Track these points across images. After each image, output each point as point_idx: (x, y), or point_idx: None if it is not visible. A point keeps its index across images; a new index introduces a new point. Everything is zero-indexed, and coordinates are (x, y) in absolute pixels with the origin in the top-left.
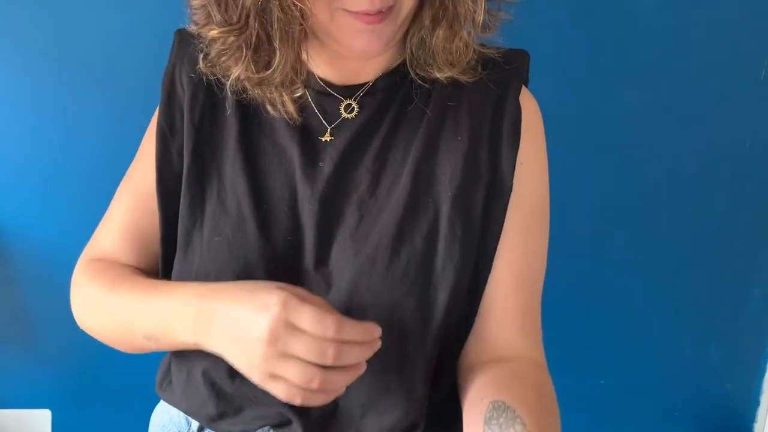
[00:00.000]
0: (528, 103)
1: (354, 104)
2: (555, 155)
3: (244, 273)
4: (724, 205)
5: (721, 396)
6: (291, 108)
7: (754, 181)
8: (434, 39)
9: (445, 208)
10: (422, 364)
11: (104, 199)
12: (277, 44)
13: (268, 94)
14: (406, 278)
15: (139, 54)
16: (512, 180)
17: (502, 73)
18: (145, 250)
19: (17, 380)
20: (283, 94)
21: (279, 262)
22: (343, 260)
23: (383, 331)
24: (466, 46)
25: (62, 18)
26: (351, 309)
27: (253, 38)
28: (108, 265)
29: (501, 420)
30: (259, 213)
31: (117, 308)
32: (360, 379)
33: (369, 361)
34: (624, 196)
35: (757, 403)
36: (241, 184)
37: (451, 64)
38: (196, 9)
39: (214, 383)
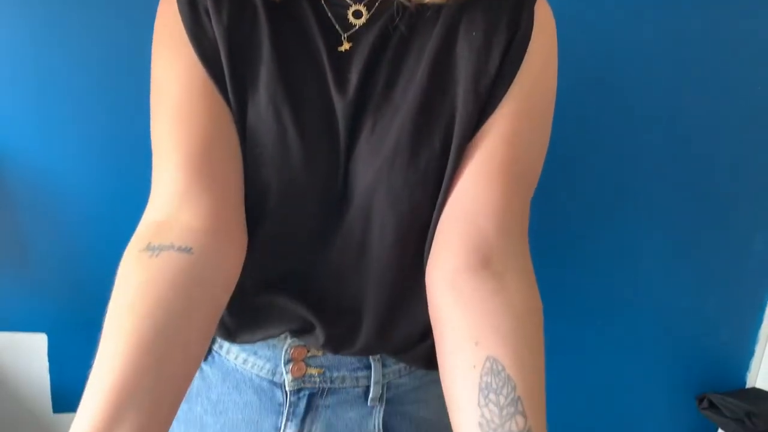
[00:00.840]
0: (542, 10)
1: (363, 9)
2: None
3: (287, 185)
4: (727, 152)
5: (716, 345)
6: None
7: (759, 126)
8: None
9: (460, 108)
10: None
11: (101, 123)
12: None
13: None
14: (426, 182)
15: None
16: (513, 79)
17: None
18: (216, 181)
19: (13, 304)
20: None
21: (321, 179)
22: (361, 166)
23: (403, 236)
24: None
25: None
26: (371, 215)
27: None
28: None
29: (500, 397)
30: (298, 123)
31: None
32: (382, 285)
33: (390, 266)
34: (625, 137)
35: (751, 353)
36: (279, 92)
37: None
38: None
39: (242, 291)
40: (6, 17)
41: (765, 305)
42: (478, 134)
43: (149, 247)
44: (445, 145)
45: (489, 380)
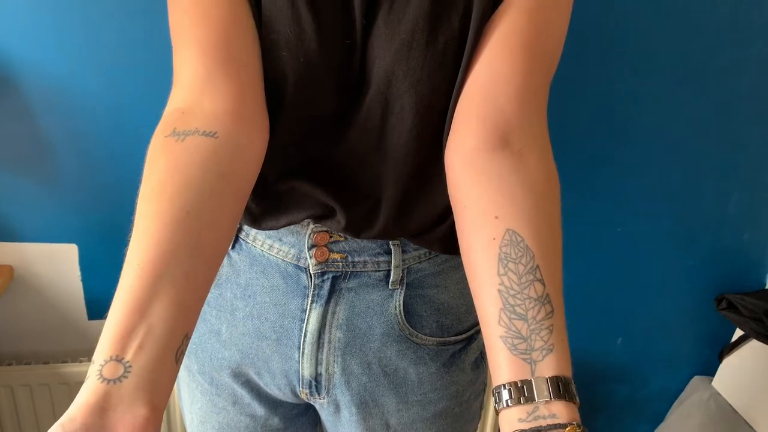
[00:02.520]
0: None
1: None
2: None
3: (304, 69)
4: (751, 64)
5: (735, 246)
6: None
7: None
8: None
9: None
10: None
11: (114, 25)
12: None
13: None
14: (445, 63)
15: None
16: None
17: None
18: (237, 67)
19: (43, 216)
20: None
21: (337, 60)
22: (379, 49)
23: (424, 119)
24: None
25: None
26: (390, 99)
27: None
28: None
29: (518, 266)
30: (312, 5)
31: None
32: (400, 169)
33: (409, 150)
34: (652, 44)
35: None
36: None
37: None
38: None
39: (264, 179)
40: None
41: None
42: (498, 11)
43: (174, 133)
44: (464, 24)
45: (508, 251)
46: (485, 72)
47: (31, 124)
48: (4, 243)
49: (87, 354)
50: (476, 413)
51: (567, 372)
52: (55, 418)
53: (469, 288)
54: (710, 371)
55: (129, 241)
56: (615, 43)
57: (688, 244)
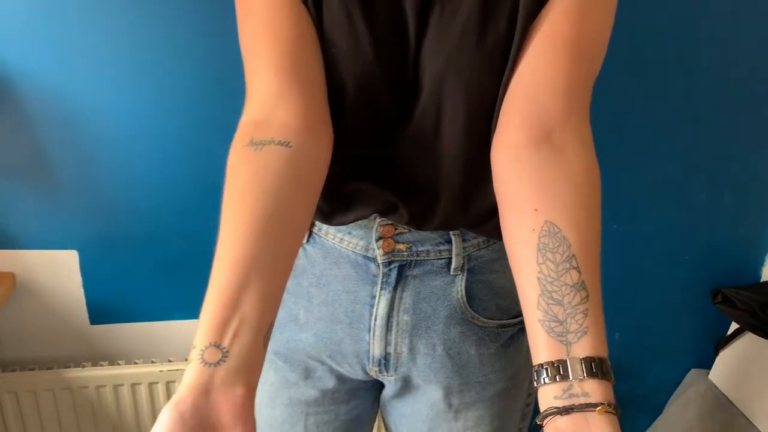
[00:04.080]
0: None
1: None
2: None
3: (361, 79)
4: (748, 56)
5: (731, 240)
6: None
7: None
8: None
9: None
10: None
11: (116, 38)
12: None
13: None
14: (493, 64)
15: None
16: None
17: None
18: (305, 81)
19: (44, 223)
20: None
21: (391, 68)
22: (431, 54)
23: (474, 118)
24: None
25: None
26: (442, 100)
27: None
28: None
29: (556, 255)
30: (367, 19)
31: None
32: (455, 165)
33: (462, 147)
34: (646, 40)
35: (766, 248)
36: None
37: None
38: None
39: (332, 181)
40: None
41: None
42: (542, 12)
43: (252, 143)
44: (511, 26)
45: (546, 241)
46: (529, 71)
47: (31, 133)
48: (5, 251)
49: (90, 359)
50: (526, 392)
51: (602, 353)
52: (60, 422)
53: None
54: (707, 364)
55: (218, 240)
56: (611, 41)
57: (683, 240)
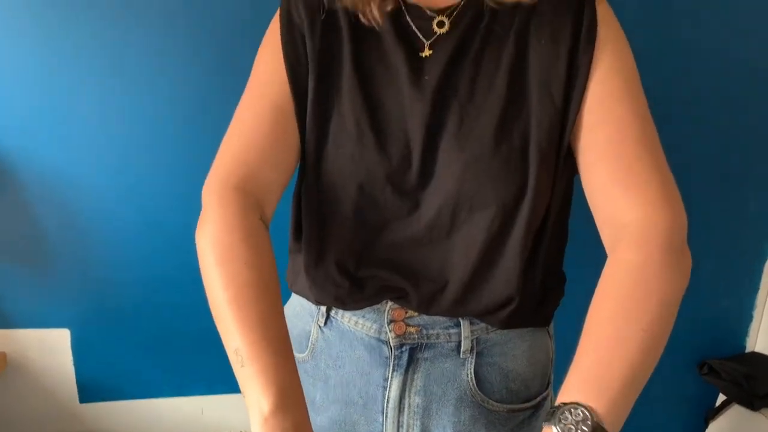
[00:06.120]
0: (603, 8)
1: (445, 20)
2: None
3: (366, 181)
4: (723, 122)
5: (715, 313)
6: (377, 14)
7: (753, 93)
8: None
9: (534, 107)
10: (521, 242)
11: (111, 118)
12: None
13: (360, 6)
14: (508, 167)
15: None
16: (587, 75)
17: None
18: (281, 162)
19: (36, 302)
20: (372, 6)
21: (395, 169)
22: (448, 159)
23: (487, 215)
24: None
25: None
26: (460, 198)
27: None
28: (243, 245)
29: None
30: (375, 126)
31: (223, 322)
32: (467, 256)
33: (473, 248)
34: None
35: (750, 318)
36: (358, 101)
37: None
38: None
39: (346, 270)
40: (17, 22)
41: (761, 271)
42: (581, 144)
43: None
44: (525, 139)
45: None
46: (604, 201)
47: (25, 213)
48: None
49: None
50: None
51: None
52: None
53: (535, 356)
54: None
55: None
56: None
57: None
